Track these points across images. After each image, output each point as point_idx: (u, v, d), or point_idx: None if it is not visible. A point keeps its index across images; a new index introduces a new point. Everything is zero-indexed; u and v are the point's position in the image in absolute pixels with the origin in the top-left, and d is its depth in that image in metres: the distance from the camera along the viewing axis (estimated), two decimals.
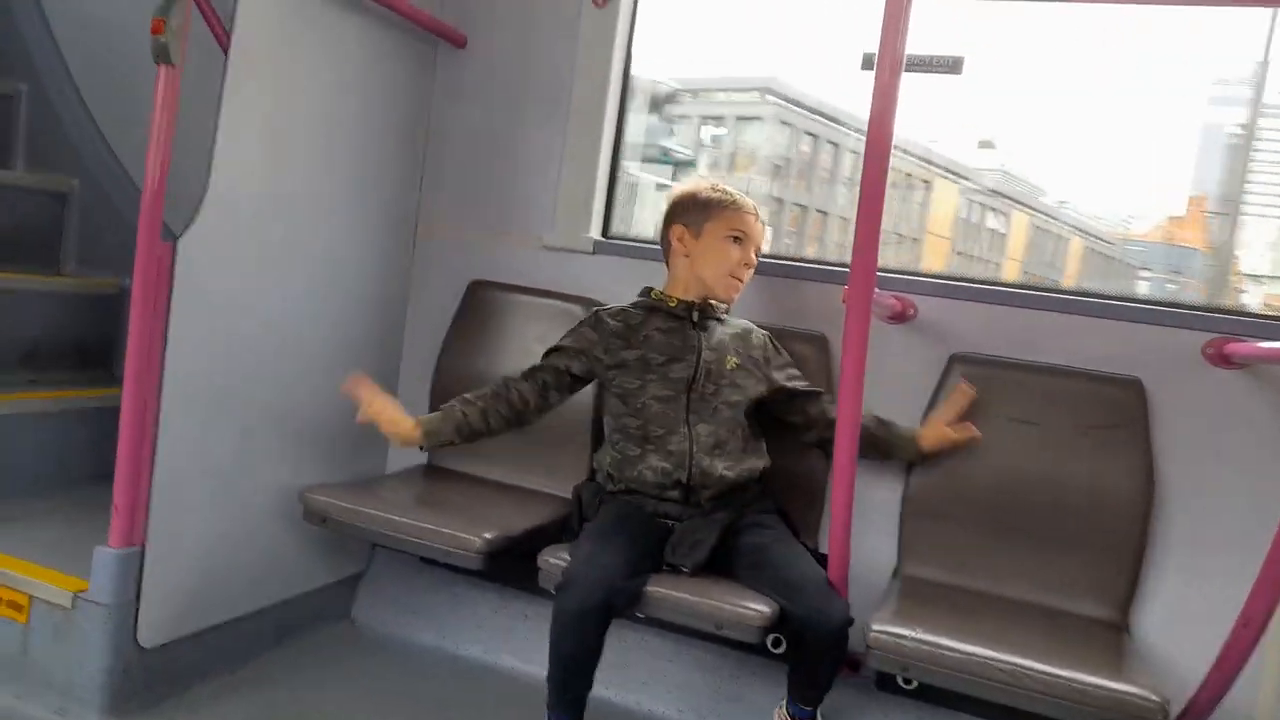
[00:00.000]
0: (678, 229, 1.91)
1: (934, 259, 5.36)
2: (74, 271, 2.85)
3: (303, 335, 2.11)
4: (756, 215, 1.91)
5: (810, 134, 5.49)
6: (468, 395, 1.88)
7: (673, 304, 1.88)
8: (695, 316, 1.87)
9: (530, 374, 1.90)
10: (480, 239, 2.42)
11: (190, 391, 1.82)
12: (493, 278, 2.37)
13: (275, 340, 2.03)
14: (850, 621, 1.62)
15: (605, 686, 1.98)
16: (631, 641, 2.12)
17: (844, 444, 1.58)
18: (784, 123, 5.35)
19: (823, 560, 1.80)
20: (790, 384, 1.91)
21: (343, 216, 2.19)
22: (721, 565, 1.73)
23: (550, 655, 1.65)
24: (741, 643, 1.71)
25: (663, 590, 1.66)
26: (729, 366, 1.85)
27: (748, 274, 1.90)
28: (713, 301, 1.90)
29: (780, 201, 5.14)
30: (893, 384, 1.99)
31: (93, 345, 2.72)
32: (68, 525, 2.12)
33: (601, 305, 1.99)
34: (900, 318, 1.99)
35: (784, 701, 1.80)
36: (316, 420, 2.19)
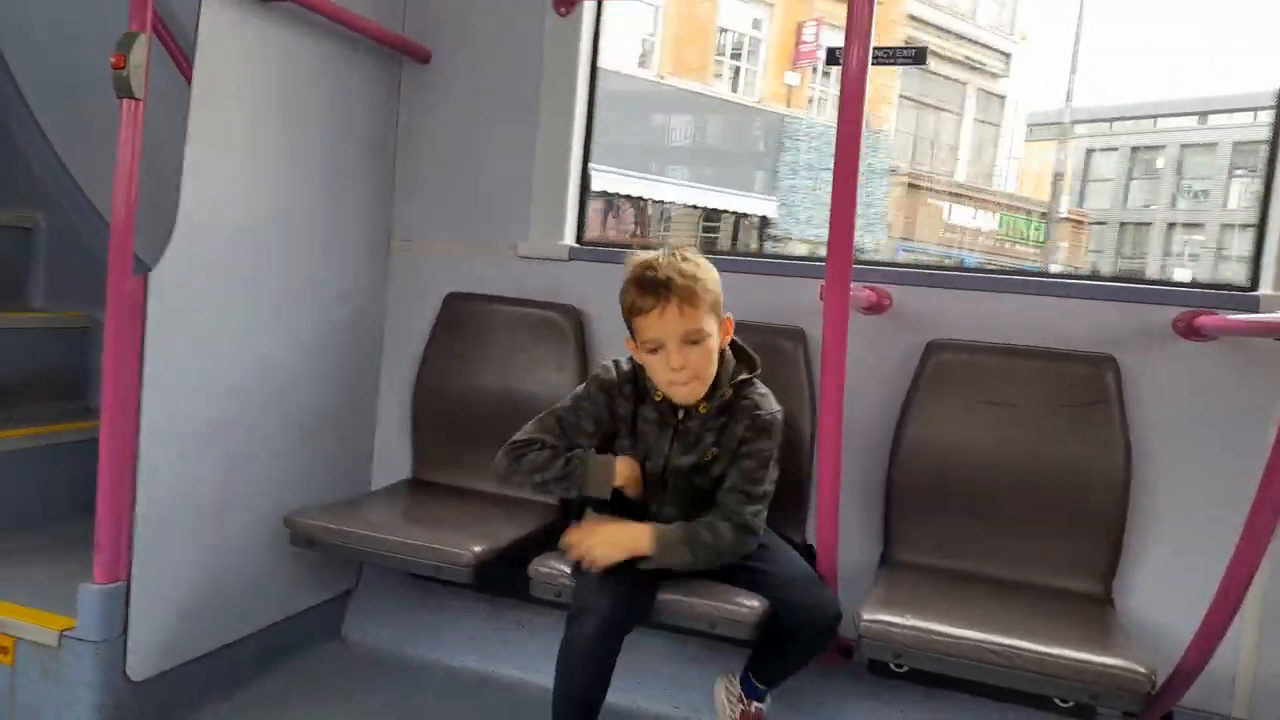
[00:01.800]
0: (628, 341, 1.72)
1: None
2: (43, 306, 2.82)
3: (280, 359, 2.10)
4: (666, 302, 1.60)
5: None
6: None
7: (658, 399, 1.73)
8: (680, 414, 1.72)
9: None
10: (455, 251, 2.42)
11: (169, 424, 1.80)
12: (469, 289, 2.37)
13: (253, 366, 2.02)
14: (839, 615, 1.64)
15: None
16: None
17: (828, 439, 1.60)
18: None
19: (810, 552, 1.82)
20: (732, 482, 1.71)
21: (315, 237, 2.18)
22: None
23: (561, 689, 1.61)
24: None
25: (663, 596, 1.67)
26: (705, 459, 1.72)
27: (686, 374, 1.63)
28: (699, 406, 1.70)
29: None
30: (871, 374, 2.01)
31: (65, 379, 2.68)
32: (51, 563, 2.10)
33: (580, 309, 1.99)
34: (876, 309, 2.01)
35: (736, 674, 1.80)
36: (299, 443, 2.18)
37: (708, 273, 1.67)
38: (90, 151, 2.79)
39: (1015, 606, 1.74)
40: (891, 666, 1.62)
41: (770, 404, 1.73)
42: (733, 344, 1.75)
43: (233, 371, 1.96)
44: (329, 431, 2.29)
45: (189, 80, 1.79)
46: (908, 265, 2.10)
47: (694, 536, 1.64)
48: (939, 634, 1.55)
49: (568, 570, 1.73)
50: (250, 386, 2.01)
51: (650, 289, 1.61)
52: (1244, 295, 1.89)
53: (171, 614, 1.87)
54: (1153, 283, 2.04)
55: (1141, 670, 1.45)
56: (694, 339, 1.62)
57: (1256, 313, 1.85)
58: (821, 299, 1.53)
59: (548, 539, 1.91)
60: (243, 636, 2.07)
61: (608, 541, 1.63)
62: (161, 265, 1.75)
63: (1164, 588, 1.87)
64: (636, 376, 1.76)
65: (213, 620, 1.98)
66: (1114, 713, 1.83)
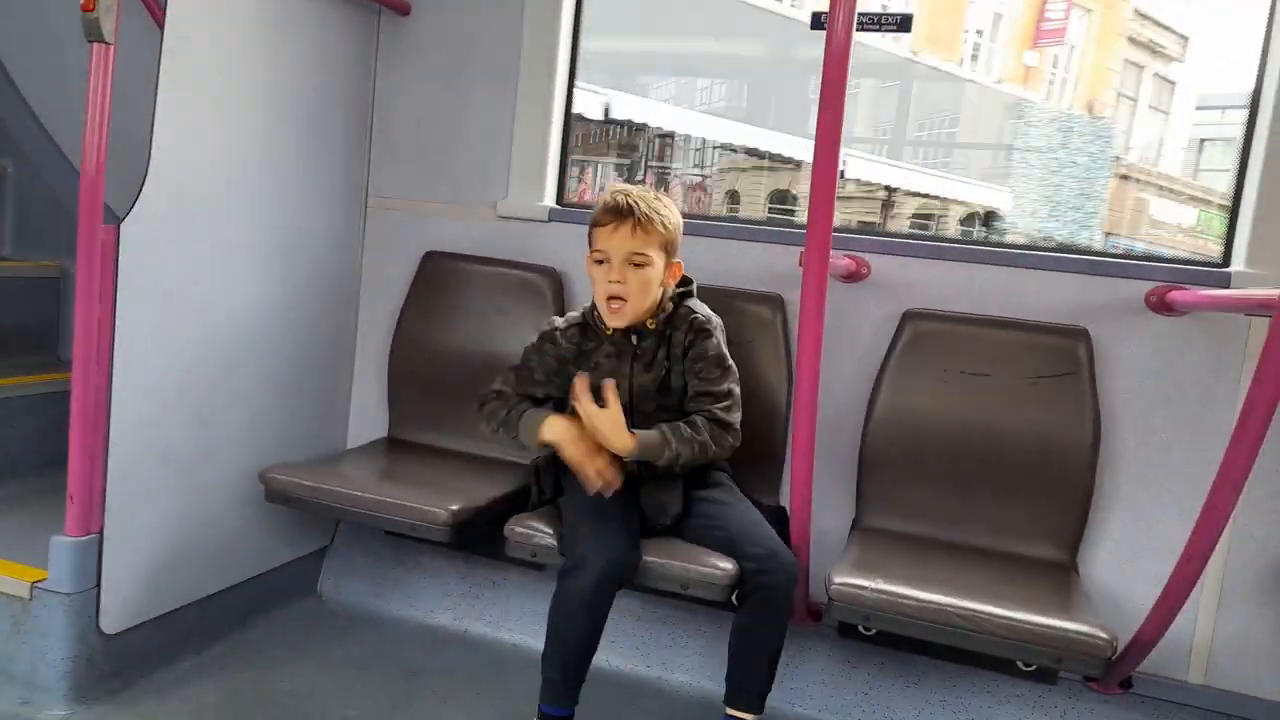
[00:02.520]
0: (588, 258, 1.81)
1: None
2: (12, 254, 2.77)
3: (256, 315, 2.08)
4: (622, 221, 1.73)
5: None
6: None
7: (609, 333, 1.82)
8: (634, 340, 1.81)
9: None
10: (433, 210, 2.39)
11: (142, 376, 1.79)
12: (448, 248, 2.35)
13: (228, 321, 2.00)
14: (795, 576, 1.65)
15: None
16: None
17: (804, 404, 1.61)
18: None
19: (783, 515, 1.84)
20: (694, 389, 1.80)
21: (291, 192, 2.15)
22: (676, 525, 1.76)
23: (553, 643, 1.64)
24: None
25: (651, 561, 1.69)
26: (661, 374, 1.80)
27: (622, 289, 1.74)
28: (647, 324, 1.80)
29: None
30: (848, 342, 2.03)
31: (36, 329, 2.65)
32: (22, 515, 2.09)
33: (559, 270, 2.03)
34: (855, 277, 2.01)
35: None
36: (274, 399, 2.17)
37: (671, 214, 1.80)
38: (60, 98, 2.72)
39: (982, 572, 1.78)
40: (860, 629, 1.65)
41: (704, 310, 1.84)
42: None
43: (206, 325, 1.94)
44: (305, 389, 2.28)
45: (161, 26, 1.74)
46: (886, 234, 2.11)
47: (674, 430, 1.72)
48: (907, 598, 1.58)
49: (545, 530, 1.75)
50: (224, 341, 2.00)
51: (613, 208, 1.76)
52: (1216, 271, 1.91)
53: (145, 567, 1.86)
54: (1127, 257, 2.06)
55: (1103, 636, 1.49)
56: (637, 261, 1.74)
57: (1228, 289, 1.87)
58: (801, 266, 1.54)
59: (523, 499, 1.92)
60: (217, 591, 2.07)
61: (597, 425, 1.68)
62: (133, 215, 1.72)
63: (1127, 556, 1.92)
64: (587, 321, 1.85)
65: (187, 574, 1.98)
66: (1075, 676, 1.88)
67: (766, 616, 1.66)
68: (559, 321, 1.88)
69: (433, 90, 2.38)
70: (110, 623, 1.79)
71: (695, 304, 1.84)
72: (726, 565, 1.65)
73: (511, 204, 2.32)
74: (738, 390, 1.80)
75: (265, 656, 2.04)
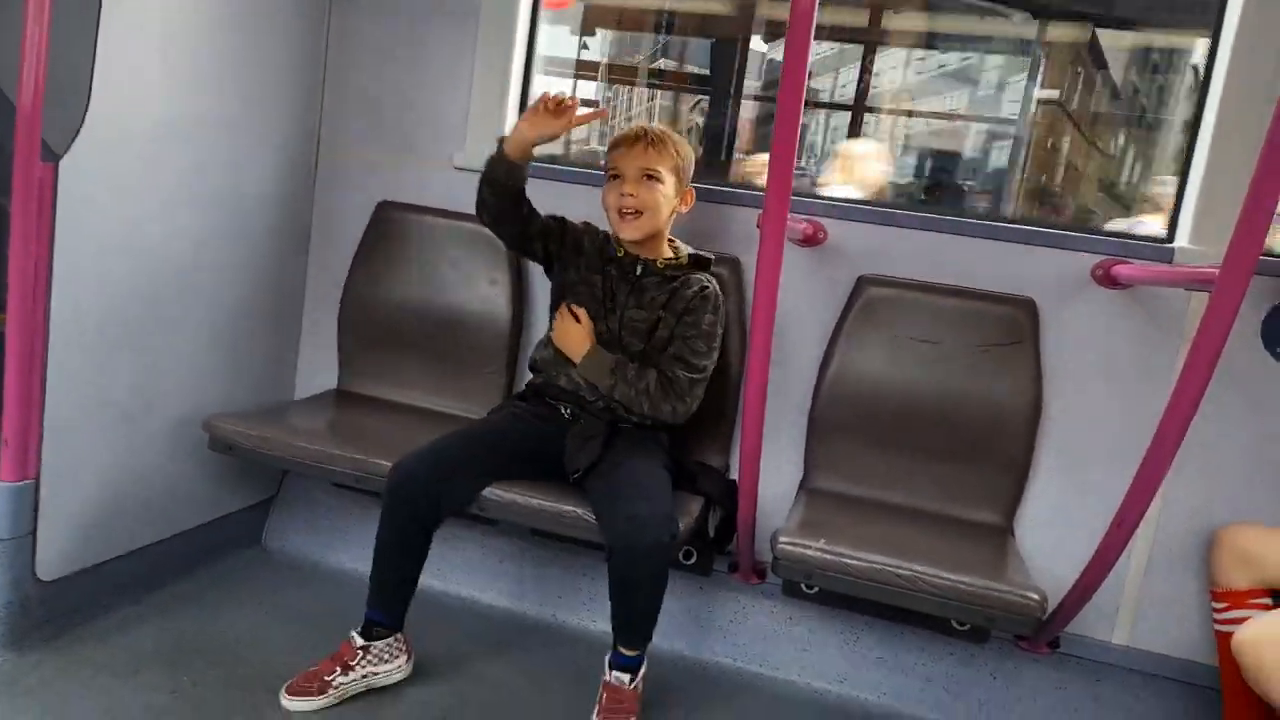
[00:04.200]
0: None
1: None
2: None
3: (200, 260, 2.02)
4: (636, 140, 1.82)
5: None
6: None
7: (620, 254, 1.88)
8: (638, 270, 1.86)
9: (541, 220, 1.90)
10: (387, 160, 2.34)
11: (81, 320, 1.74)
12: (402, 199, 2.30)
13: (170, 266, 1.95)
14: (663, 543, 1.61)
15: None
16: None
17: (756, 366, 1.62)
18: None
19: (731, 488, 1.87)
20: (673, 350, 1.84)
21: (237, 136, 2.08)
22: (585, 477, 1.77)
23: (374, 549, 1.72)
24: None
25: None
26: (653, 318, 1.84)
27: (633, 202, 1.80)
28: (658, 261, 1.86)
29: None
30: (803, 305, 2.04)
31: None
32: None
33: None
34: (811, 241, 2.02)
35: (608, 656, 1.73)
36: (219, 348, 2.12)
37: (683, 145, 1.88)
38: None
39: (923, 534, 1.82)
40: (803, 588, 1.68)
41: (716, 286, 1.89)
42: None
43: (148, 269, 1.89)
44: (251, 338, 2.24)
45: None
46: (843, 200, 2.12)
47: (623, 366, 1.82)
48: (849, 557, 1.62)
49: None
50: (167, 285, 1.94)
51: (632, 132, 1.85)
52: (1161, 246, 1.96)
53: (84, 514, 1.83)
54: (1076, 229, 2.10)
55: (1034, 597, 1.55)
56: (650, 174, 1.81)
57: (1171, 264, 1.92)
58: (759, 228, 1.54)
59: None
60: (159, 540, 2.04)
61: (564, 330, 1.85)
62: (72, 153, 1.66)
63: (1061, 521, 1.98)
64: (608, 239, 1.91)
65: (127, 522, 1.95)
66: (1005, 635, 1.95)
67: (629, 576, 1.64)
68: (594, 226, 1.93)
69: (388, 35, 2.31)
70: (47, 569, 1.76)
71: (710, 279, 1.89)
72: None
73: (469, 155, 2.27)
74: (709, 372, 1.84)
75: (207, 606, 2.02)
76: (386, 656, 1.74)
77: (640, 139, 1.82)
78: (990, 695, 1.98)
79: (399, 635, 1.77)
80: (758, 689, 2.00)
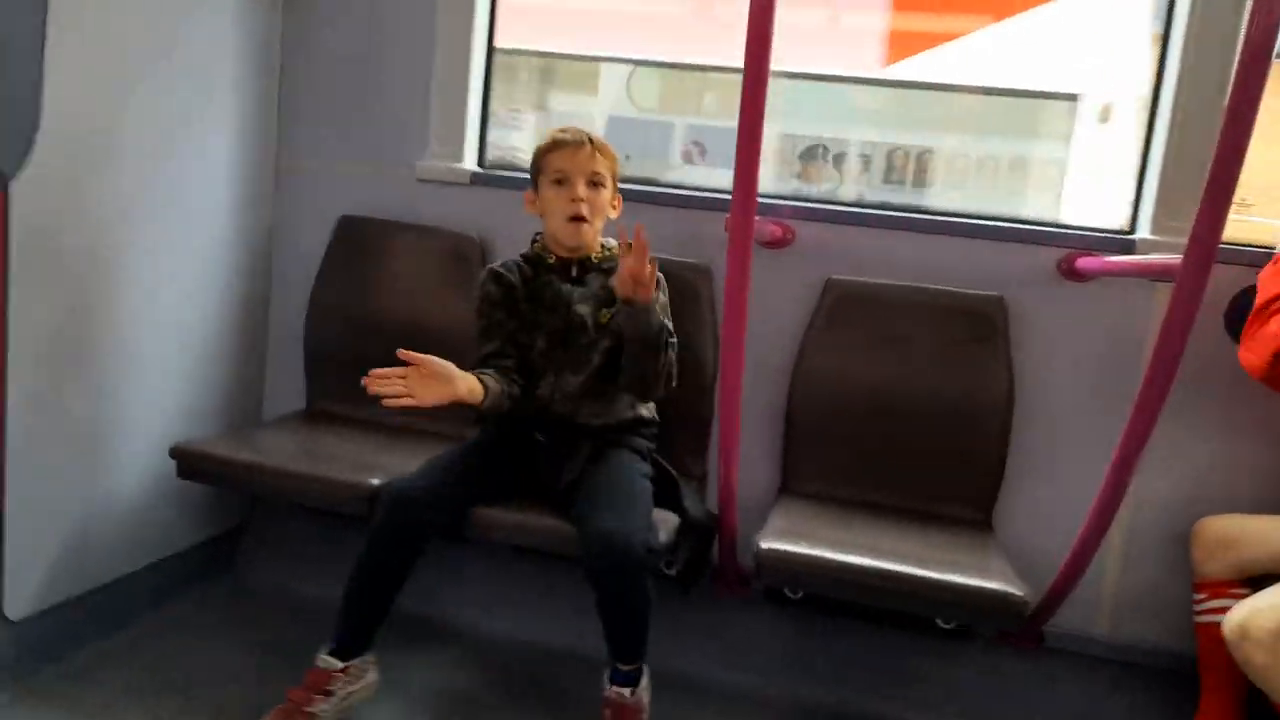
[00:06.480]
0: (528, 194, 1.87)
1: None
2: None
3: (159, 280, 1.98)
4: (580, 145, 1.80)
5: None
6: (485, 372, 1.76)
7: (551, 260, 1.85)
8: (574, 271, 1.84)
9: (499, 370, 1.80)
10: (349, 172, 2.30)
11: (39, 346, 1.69)
12: (365, 213, 2.27)
13: (128, 287, 1.90)
14: (631, 569, 1.58)
15: (436, 604, 2.11)
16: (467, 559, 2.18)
17: (729, 371, 1.61)
18: None
19: (709, 516, 1.86)
20: None
21: (193, 150, 2.04)
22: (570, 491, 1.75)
23: (351, 573, 1.68)
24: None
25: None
26: (604, 320, 1.81)
27: (585, 208, 1.79)
28: (593, 255, 1.85)
29: None
30: (773, 309, 2.04)
31: None
32: None
33: (482, 237, 2.06)
34: (780, 243, 2.02)
35: (607, 673, 1.71)
36: (182, 370, 2.08)
37: (615, 152, 1.87)
38: None
39: (903, 534, 1.82)
40: (786, 594, 1.68)
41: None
42: None
43: (105, 291, 1.85)
44: (215, 359, 2.19)
45: None
46: (810, 200, 2.13)
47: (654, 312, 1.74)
48: (831, 562, 1.61)
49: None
50: (125, 307, 1.90)
51: (571, 133, 1.82)
52: (1122, 238, 1.98)
53: (51, 548, 1.78)
54: (1040, 223, 2.12)
55: (1018, 594, 1.55)
56: (596, 180, 1.81)
57: (1133, 255, 1.94)
58: (726, 231, 1.53)
59: None
60: (130, 572, 1.99)
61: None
62: (24, 176, 1.61)
63: (1039, 515, 1.99)
64: (525, 259, 1.87)
65: (96, 555, 1.90)
66: (992, 631, 1.95)
67: (608, 590, 1.62)
68: (496, 265, 1.87)
69: (345, 42, 2.27)
70: (15, 608, 1.71)
71: None
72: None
73: (431, 166, 2.25)
74: (676, 344, 1.82)
75: (180, 639, 1.97)
76: (359, 674, 1.71)
77: (583, 143, 1.81)
78: (979, 692, 1.98)
79: (368, 654, 1.73)
80: (743, 698, 1.98)
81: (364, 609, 1.71)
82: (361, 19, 2.26)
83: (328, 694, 1.66)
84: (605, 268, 1.85)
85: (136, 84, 1.86)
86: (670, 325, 1.79)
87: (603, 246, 1.88)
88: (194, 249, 2.08)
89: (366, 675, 1.72)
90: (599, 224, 1.84)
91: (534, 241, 1.89)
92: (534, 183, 1.85)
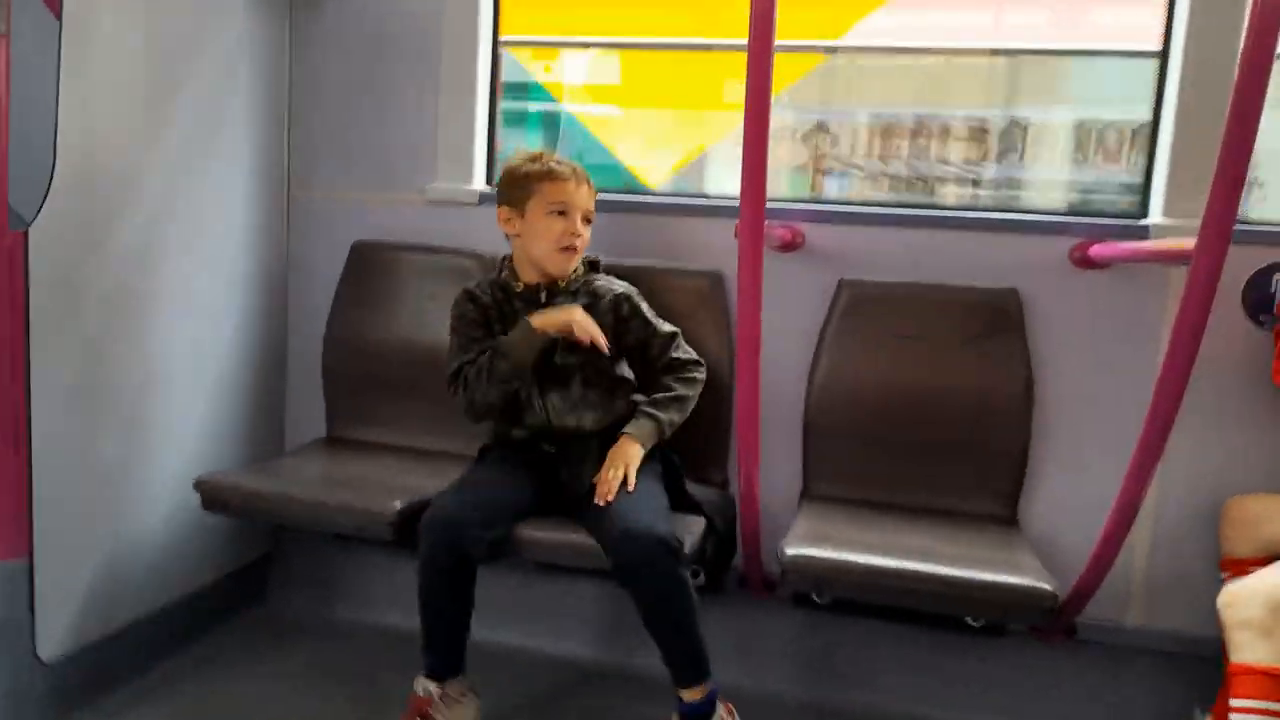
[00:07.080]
0: (503, 211, 1.86)
1: None
2: None
3: (178, 315, 2.00)
4: (580, 180, 1.84)
5: None
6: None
7: (519, 288, 1.86)
8: (543, 298, 1.85)
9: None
10: (360, 197, 2.33)
11: (62, 388, 1.71)
12: (376, 237, 2.29)
13: (149, 324, 1.93)
14: (659, 556, 1.57)
15: (498, 630, 2.08)
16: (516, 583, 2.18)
17: (745, 377, 1.61)
18: None
19: (729, 501, 1.86)
20: (645, 344, 1.88)
21: (208, 185, 2.07)
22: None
23: (419, 603, 1.70)
24: None
25: (527, 533, 1.70)
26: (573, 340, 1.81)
27: (580, 242, 1.83)
28: (560, 281, 1.85)
29: None
30: (787, 313, 2.03)
31: None
32: None
33: (483, 256, 2.09)
34: (790, 247, 2.02)
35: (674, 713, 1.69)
36: (204, 403, 2.10)
37: None
38: None
39: (928, 533, 1.81)
40: (814, 598, 1.67)
41: (619, 282, 1.91)
42: None
43: (126, 329, 1.87)
44: (236, 390, 2.21)
45: (58, 15, 1.65)
46: (818, 201, 2.13)
47: (655, 406, 1.81)
48: (857, 564, 1.60)
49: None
50: (146, 344, 1.92)
51: (567, 166, 1.85)
52: (1134, 224, 1.96)
53: (81, 588, 1.80)
54: (1050, 213, 2.11)
55: (1047, 588, 1.54)
56: (589, 219, 1.86)
57: (1146, 240, 1.93)
58: (736, 238, 1.53)
59: None
60: (161, 607, 2.01)
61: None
62: (42, 218, 1.64)
63: (1065, 507, 1.97)
64: (493, 283, 1.89)
65: (126, 593, 1.91)
66: (1022, 627, 1.94)
67: (643, 594, 1.62)
68: (471, 284, 1.90)
69: (352, 71, 2.30)
70: (48, 649, 1.72)
71: (610, 279, 1.91)
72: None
73: (440, 188, 2.27)
74: (674, 327, 1.89)
75: (215, 672, 1.98)
76: (459, 698, 1.73)
77: (584, 181, 1.85)
78: (1012, 689, 1.97)
79: (463, 676, 1.75)
80: (771, 704, 1.97)
81: (438, 631, 1.72)
82: (367, 49, 2.29)
83: (429, 718, 1.68)
84: (572, 289, 1.86)
85: (149, 123, 1.89)
86: (670, 325, 1.87)
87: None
88: (211, 283, 2.10)
89: (466, 698, 1.74)
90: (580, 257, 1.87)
91: (501, 270, 1.90)
92: (511, 200, 1.84)
